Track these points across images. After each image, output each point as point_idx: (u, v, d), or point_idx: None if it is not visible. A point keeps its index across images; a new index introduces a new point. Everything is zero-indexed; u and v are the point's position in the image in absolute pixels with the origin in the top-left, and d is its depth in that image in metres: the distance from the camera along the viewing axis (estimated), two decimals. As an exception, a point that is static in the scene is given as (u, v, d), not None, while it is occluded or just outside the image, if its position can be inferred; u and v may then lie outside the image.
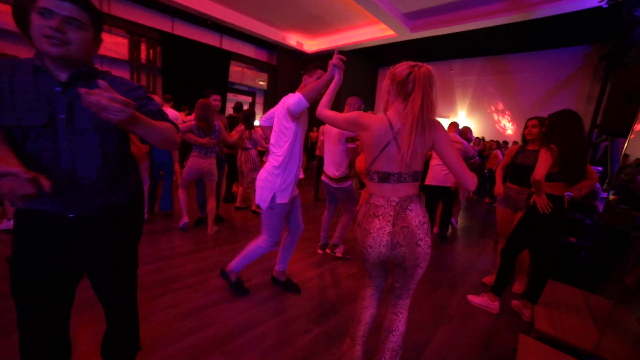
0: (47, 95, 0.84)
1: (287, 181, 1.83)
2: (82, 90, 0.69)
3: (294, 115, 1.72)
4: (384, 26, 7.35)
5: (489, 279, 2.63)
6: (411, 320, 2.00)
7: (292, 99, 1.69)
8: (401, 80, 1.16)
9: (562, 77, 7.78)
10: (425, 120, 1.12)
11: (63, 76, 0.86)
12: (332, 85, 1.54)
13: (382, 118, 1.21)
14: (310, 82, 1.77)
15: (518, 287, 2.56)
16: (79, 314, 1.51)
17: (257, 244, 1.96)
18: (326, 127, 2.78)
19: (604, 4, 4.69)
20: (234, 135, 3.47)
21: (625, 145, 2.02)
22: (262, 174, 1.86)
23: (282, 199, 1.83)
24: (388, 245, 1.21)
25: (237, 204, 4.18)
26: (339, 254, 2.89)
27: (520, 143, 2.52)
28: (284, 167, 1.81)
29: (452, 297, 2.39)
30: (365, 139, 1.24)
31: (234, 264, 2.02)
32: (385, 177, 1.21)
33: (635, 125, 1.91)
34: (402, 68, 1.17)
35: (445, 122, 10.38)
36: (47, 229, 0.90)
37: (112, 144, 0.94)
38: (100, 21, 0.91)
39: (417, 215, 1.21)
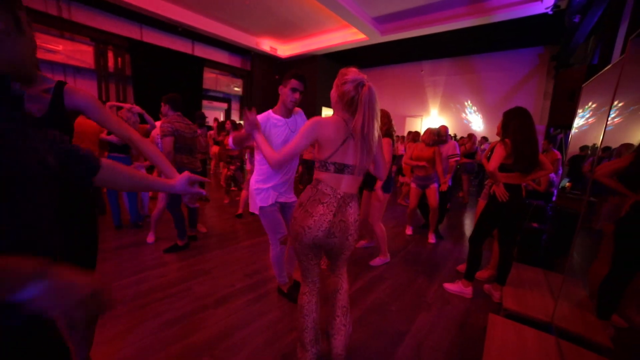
0: None
1: (265, 186, 1.92)
2: None
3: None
4: (355, 30, 7.56)
5: (462, 267, 2.81)
6: (392, 310, 2.12)
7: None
8: (347, 100, 1.27)
9: (521, 76, 8.36)
10: (366, 135, 1.25)
11: None
12: (258, 141, 1.51)
13: (337, 118, 1.32)
14: (285, 92, 1.82)
15: (482, 274, 2.70)
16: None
17: (271, 249, 2.06)
18: None
19: (549, 11, 5.16)
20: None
21: (570, 137, 2.25)
22: (251, 182, 1.98)
23: (263, 202, 1.91)
24: (325, 232, 1.31)
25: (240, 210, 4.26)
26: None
27: (490, 139, 2.71)
28: (264, 175, 1.92)
29: (430, 286, 2.53)
30: (324, 135, 1.29)
31: (277, 276, 2.16)
32: (341, 168, 1.31)
33: (576, 120, 2.14)
34: (348, 88, 1.26)
35: (418, 121, 10.72)
36: None
37: None
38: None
39: (353, 213, 1.37)
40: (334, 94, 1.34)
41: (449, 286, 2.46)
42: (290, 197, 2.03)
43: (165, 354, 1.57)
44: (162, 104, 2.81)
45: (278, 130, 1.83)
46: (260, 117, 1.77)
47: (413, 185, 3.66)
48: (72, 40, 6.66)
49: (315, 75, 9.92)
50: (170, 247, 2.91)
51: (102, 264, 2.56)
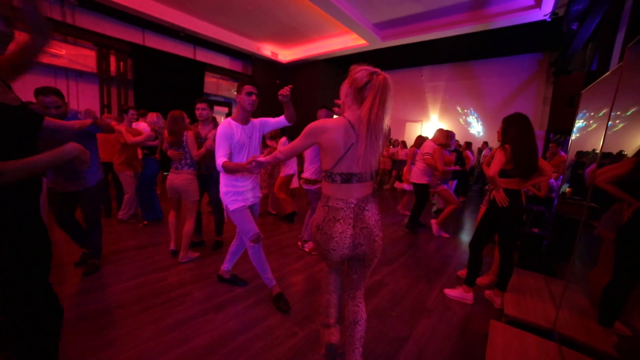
0: None
1: (233, 190, 2.00)
2: None
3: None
4: (355, 36, 7.64)
5: (463, 272, 2.80)
6: (392, 316, 2.11)
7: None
8: (359, 87, 1.20)
9: (521, 81, 8.43)
10: (372, 125, 1.15)
11: None
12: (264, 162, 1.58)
13: (341, 119, 1.24)
14: (242, 98, 1.95)
15: (483, 279, 2.69)
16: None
17: (248, 247, 2.07)
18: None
19: (547, 18, 5.22)
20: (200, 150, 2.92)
21: (570, 143, 2.27)
22: (220, 187, 2.06)
23: (233, 205, 1.99)
24: (350, 247, 1.28)
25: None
26: (306, 249, 3.14)
27: (490, 144, 2.73)
28: (231, 179, 2.01)
29: (430, 292, 2.52)
30: (325, 142, 1.23)
31: (262, 278, 2.17)
32: (348, 178, 1.25)
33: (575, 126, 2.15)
34: (361, 74, 1.20)
35: (418, 126, 10.77)
36: None
37: None
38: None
39: (373, 215, 1.31)
40: (344, 86, 1.27)
41: (449, 292, 2.45)
42: (257, 195, 2.14)
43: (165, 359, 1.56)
44: (207, 107, 2.90)
45: (237, 137, 1.94)
46: (222, 125, 1.91)
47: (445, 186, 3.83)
48: (75, 45, 6.71)
49: (317, 80, 9.98)
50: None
51: (103, 268, 2.55)
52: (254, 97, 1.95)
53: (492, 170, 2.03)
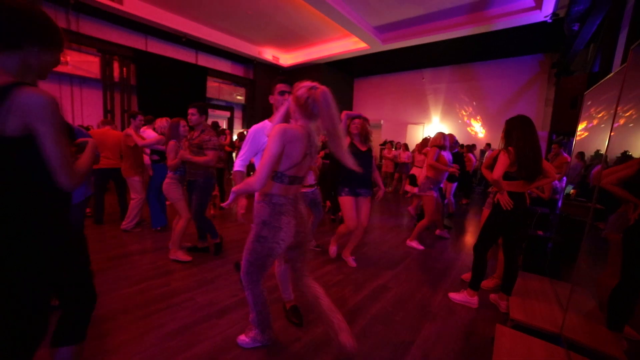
0: None
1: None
2: None
3: None
4: (356, 39, 7.68)
5: (467, 276, 2.78)
6: (396, 321, 2.09)
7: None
8: (302, 103, 1.34)
9: (522, 83, 8.42)
10: (333, 133, 1.33)
11: None
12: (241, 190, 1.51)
13: (303, 130, 1.36)
14: (276, 99, 1.90)
15: (488, 283, 2.66)
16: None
17: (276, 266, 2.03)
18: None
19: (548, 19, 5.22)
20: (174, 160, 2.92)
21: (573, 145, 2.25)
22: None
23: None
24: (294, 234, 1.48)
25: None
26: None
27: (492, 146, 2.70)
28: None
29: (435, 296, 2.50)
30: (292, 150, 1.34)
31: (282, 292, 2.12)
32: (293, 180, 1.42)
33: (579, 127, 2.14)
34: (301, 92, 1.33)
35: (420, 128, 10.78)
36: None
37: None
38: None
39: (302, 205, 1.55)
40: (292, 103, 1.40)
41: (454, 296, 2.43)
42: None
43: (168, 366, 1.55)
44: (197, 112, 2.80)
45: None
46: (255, 126, 1.86)
47: (434, 194, 3.60)
48: (80, 52, 6.80)
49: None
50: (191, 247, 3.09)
51: (107, 272, 2.55)
52: (286, 96, 1.84)
53: (496, 174, 2.02)
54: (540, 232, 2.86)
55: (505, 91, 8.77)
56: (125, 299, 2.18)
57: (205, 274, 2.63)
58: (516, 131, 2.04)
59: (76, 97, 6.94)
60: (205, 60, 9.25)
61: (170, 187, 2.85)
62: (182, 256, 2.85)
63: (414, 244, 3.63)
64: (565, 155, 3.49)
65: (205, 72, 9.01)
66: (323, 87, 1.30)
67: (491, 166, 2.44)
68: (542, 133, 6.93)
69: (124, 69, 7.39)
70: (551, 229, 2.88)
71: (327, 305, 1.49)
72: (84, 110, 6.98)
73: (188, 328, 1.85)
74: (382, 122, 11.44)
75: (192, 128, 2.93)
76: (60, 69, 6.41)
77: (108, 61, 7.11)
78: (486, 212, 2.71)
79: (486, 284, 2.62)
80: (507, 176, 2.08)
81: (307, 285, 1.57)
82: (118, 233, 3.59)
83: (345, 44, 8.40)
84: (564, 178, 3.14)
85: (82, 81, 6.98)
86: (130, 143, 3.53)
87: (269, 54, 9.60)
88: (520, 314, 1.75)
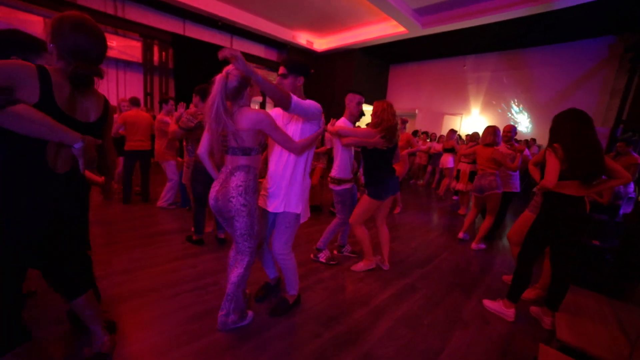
0: None
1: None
2: None
3: None
4: (394, 23, 7.22)
5: (508, 278, 2.56)
6: (423, 324, 1.96)
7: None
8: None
9: (583, 70, 7.43)
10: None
11: None
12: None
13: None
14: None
15: (528, 293, 2.40)
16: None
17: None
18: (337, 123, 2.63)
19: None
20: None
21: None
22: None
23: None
24: (214, 199, 1.61)
25: None
26: (322, 260, 2.72)
27: (538, 142, 2.41)
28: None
29: (467, 301, 2.32)
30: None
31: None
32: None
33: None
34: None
35: (457, 120, 10.12)
36: None
37: None
38: None
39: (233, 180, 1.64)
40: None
41: (488, 303, 2.23)
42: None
43: (190, 349, 1.57)
44: (194, 95, 2.81)
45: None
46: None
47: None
48: (124, 37, 7.12)
49: (352, 70, 9.69)
50: (186, 237, 2.97)
51: (141, 249, 2.68)
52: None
53: (549, 180, 1.79)
54: (596, 242, 2.53)
55: (560, 80, 7.83)
56: (155, 276, 2.26)
57: (231, 258, 2.66)
58: (567, 126, 1.80)
59: (120, 80, 7.34)
60: (240, 45, 9.29)
61: (187, 174, 2.85)
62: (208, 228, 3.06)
63: (481, 245, 3.42)
64: (636, 155, 3.02)
65: (239, 57, 9.08)
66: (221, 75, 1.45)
67: (539, 163, 2.17)
68: (603, 129, 6.15)
69: (163, 53, 7.63)
70: (610, 239, 2.53)
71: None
72: (127, 92, 7.36)
73: (210, 313, 1.87)
74: (416, 111, 10.86)
75: None
76: (107, 53, 6.76)
77: (149, 45, 7.38)
78: (530, 215, 2.43)
79: (527, 294, 2.38)
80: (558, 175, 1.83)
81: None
82: (153, 211, 3.76)
83: (383, 28, 7.96)
84: (632, 183, 2.73)
85: (126, 65, 7.34)
86: (166, 128, 3.59)
87: (303, 38, 9.41)
88: (571, 335, 1.54)
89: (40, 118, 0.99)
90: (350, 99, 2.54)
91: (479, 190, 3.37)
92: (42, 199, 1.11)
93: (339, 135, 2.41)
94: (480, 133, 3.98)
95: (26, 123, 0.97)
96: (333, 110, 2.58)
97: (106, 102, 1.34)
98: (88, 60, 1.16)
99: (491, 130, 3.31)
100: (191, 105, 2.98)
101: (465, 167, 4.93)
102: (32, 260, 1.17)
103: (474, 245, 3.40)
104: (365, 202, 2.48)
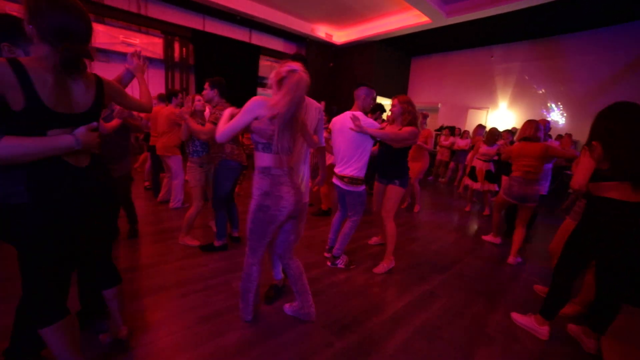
0: None
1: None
2: None
3: None
4: (417, 12, 6.87)
5: (540, 287, 2.35)
6: (443, 338, 1.82)
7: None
8: (279, 79, 1.48)
9: (629, 59, 6.73)
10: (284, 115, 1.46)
11: None
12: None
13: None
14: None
15: (566, 309, 2.13)
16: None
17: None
18: (338, 119, 2.49)
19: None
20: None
21: None
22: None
23: None
24: (295, 203, 1.59)
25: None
26: (341, 266, 2.61)
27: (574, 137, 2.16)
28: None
29: (492, 314, 2.13)
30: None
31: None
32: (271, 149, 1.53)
33: None
34: (283, 69, 1.46)
35: (483, 114, 9.60)
36: None
37: None
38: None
39: (297, 177, 1.90)
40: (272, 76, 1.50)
41: (518, 317, 2.03)
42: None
43: (199, 352, 1.53)
44: (209, 87, 2.59)
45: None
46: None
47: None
48: (147, 34, 7.27)
49: (372, 62, 9.40)
50: (207, 245, 2.72)
51: (155, 245, 2.69)
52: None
53: (577, 181, 1.61)
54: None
55: (600, 70, 7.16)
56: (166, 274, 2.25)
57: (241, 257, 2.60)
58: (610, 121, 1.58)
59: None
60: (259, 39, 9.25)
61: (189, 171, 2.68)
62: (190, 241, 2.75)
63: (519, 259, 3.03)
64: None
65: (258, 51, 9.03)
66: (302, 73, 1.44)
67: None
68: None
69: (184, 49, 7.73)
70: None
71: (307, 284, 1.81)
72: (149, 89, 7.57)
73: (220, 315, 1.83)
74: (439, 105, 10.40)
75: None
76: (130, 50, 6.94)
77: (170, 42, 7.49)
78: (571, 223, 2.19)
79: (564, 309, 2.15)
80: (599, 175, 1.61)
81: (293, 261, 1.78)
82: (161, 207, 3.78)
83: (404, 18, 7.62)
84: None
85: (149, 62, 7.52)
86: (180, 121, 3.46)
87: (322, 31, 9.22)
88: (619, 362, 1.34)
89: (24, 149, 0.95)
90: (367, 93, 2.42)
91: (521, 199, 2.93)
92: (71, 193, 1.09)
93: (383, 137, 2.40)
94: (502, 129, 3.64)
95: (12, 159, 0.94)
96: (351, 105, 2.44)
97: (98, 80, 1.20)
98: (75, 39, 1.02)
99: (534, 124, 2.95)
100: (195, 97, 2.82)
101: (481, 165, 4.61)
102: (70, 252, 1.18)
103: (511, 260, 3.01)
104: (398, 194, 2.55)
